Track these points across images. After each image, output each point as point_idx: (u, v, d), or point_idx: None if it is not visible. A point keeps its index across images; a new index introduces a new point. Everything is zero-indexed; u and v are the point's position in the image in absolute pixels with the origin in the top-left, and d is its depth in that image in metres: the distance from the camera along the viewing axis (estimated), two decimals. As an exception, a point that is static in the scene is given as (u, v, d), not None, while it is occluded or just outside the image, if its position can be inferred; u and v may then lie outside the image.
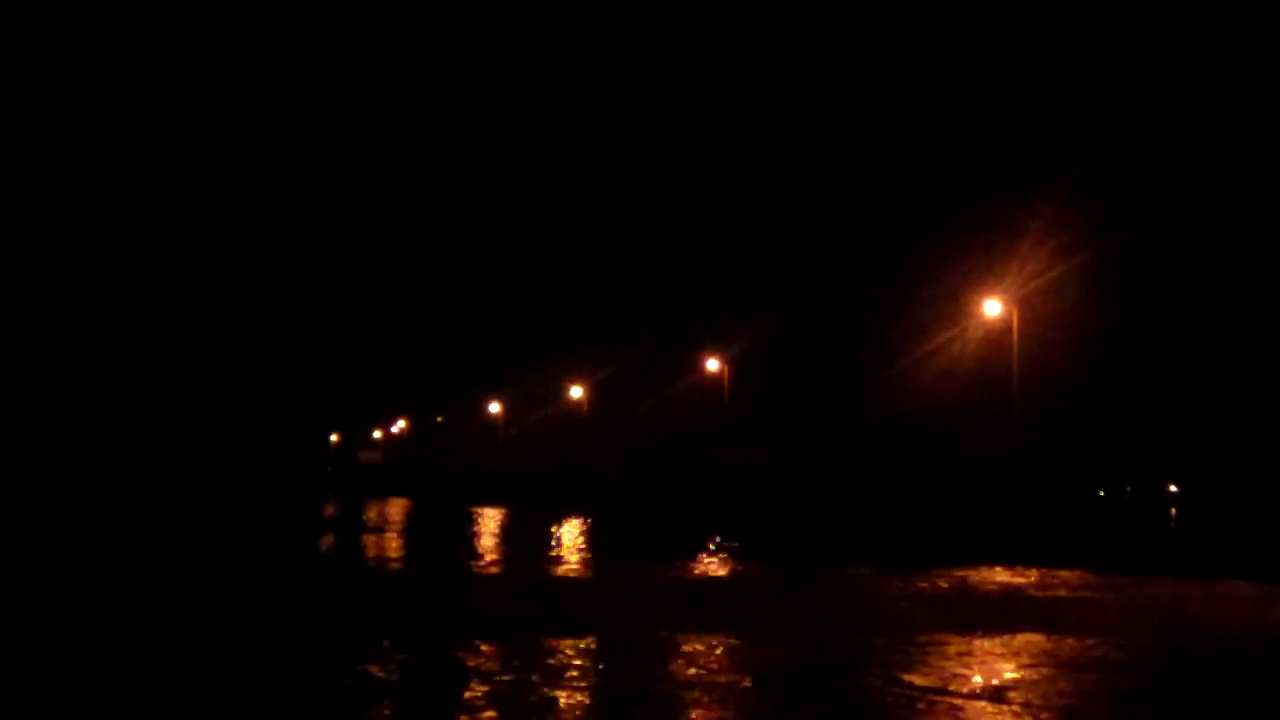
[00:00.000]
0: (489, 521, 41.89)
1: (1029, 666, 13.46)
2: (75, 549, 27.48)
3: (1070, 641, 15.09)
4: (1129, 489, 47.42)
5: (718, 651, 14.01)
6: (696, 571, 23.49)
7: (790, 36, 78.73)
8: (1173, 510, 46.99)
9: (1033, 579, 23.21)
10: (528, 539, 31.95)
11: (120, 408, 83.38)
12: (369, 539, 29.99)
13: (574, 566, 24.48)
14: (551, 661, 13.29)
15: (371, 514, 49.68)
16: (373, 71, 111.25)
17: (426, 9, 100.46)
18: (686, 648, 14.03)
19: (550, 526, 38.70)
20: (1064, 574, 24.06)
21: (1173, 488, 48.65)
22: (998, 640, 15.09)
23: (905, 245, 53.95)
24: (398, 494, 66.45)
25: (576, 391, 75.27)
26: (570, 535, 35.06)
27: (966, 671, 13.17)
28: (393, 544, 27.92)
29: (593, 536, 35.10)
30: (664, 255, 75.20)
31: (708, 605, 17.40)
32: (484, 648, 13.84)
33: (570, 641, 13.99)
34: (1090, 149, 48.03)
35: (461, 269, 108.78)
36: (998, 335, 42.36)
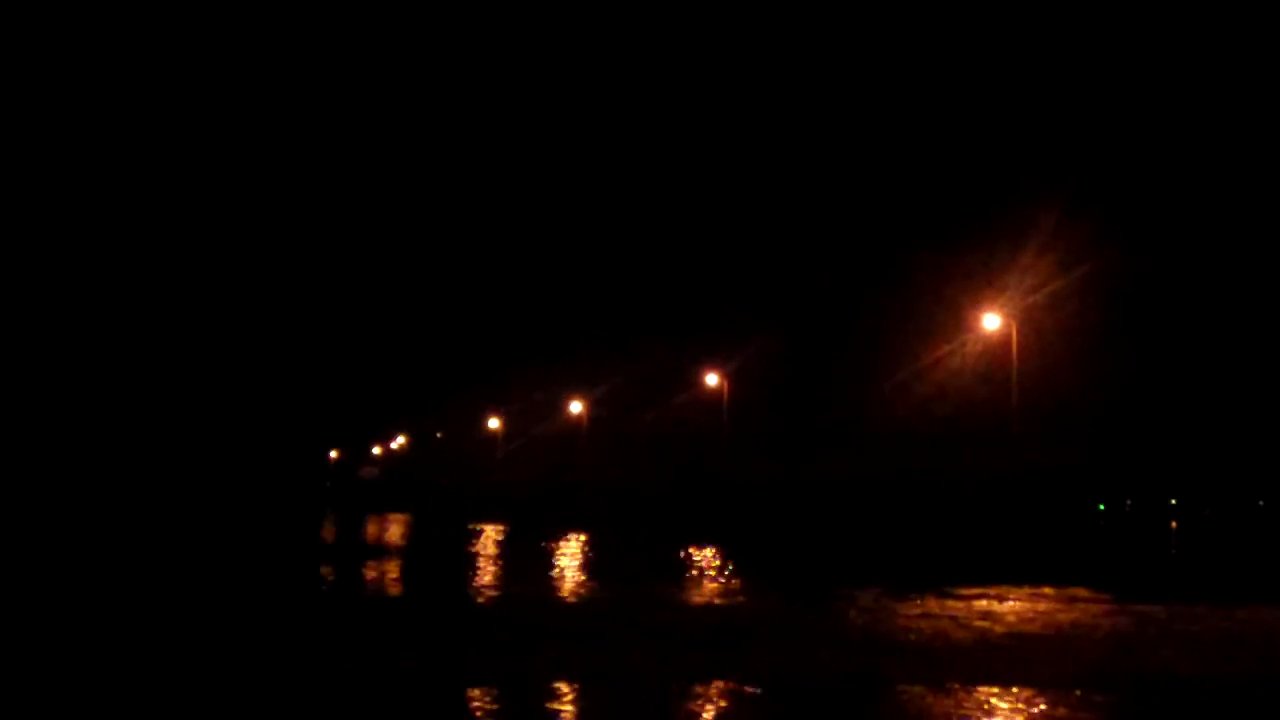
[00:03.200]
0: (488, 541, 41.79)
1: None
2: (62, 566, 27.34)
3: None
4: (1129, 502, 47.37)
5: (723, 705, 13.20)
6: (699, 599, 23.17)
7: (791, 55, 78.92)
8: (1173, 524, 46.93)
9: (1041, 609, 22.99)
10: (527, 562, 31.82)
11: (120, 423, 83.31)
12: (367, 564, 29.75)
13: (575, 593, 24.26)
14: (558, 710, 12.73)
15: (371, 530, 49.58)
16: (373, 89, 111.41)
17: (429, 24, 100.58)
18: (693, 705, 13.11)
19: (550, 545, 38.63)
20: (1082, 595, 23.87)
21: (1173, 501, 48.61)
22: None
23: (904, 259, 53.95)
24: (397, 510, 66.42)
25: (576, 406, 75.22)
26: (570, 556, 34.96)
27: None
28: (390, 572, 27.74)
29: (592, 556, 35.00)
30: (663, 270, 75.29)
31: (713, 644, 16.52)
32: (478, 699, 13.06)
33: (572, 690, 13.29)
34: (1089, 162, 48.07)
35: (461, 285, 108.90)
36: (997, 349, 42.32)
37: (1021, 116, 53.69)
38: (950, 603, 22.00)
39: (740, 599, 23.29)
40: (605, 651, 15.45)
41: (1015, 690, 13.40)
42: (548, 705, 12.62)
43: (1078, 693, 13.29)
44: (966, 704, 12.83)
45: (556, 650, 15.35)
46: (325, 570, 27.90)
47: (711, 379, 59.13)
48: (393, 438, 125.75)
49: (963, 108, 58.91)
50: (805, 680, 14.16)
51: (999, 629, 18.55)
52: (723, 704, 13.15)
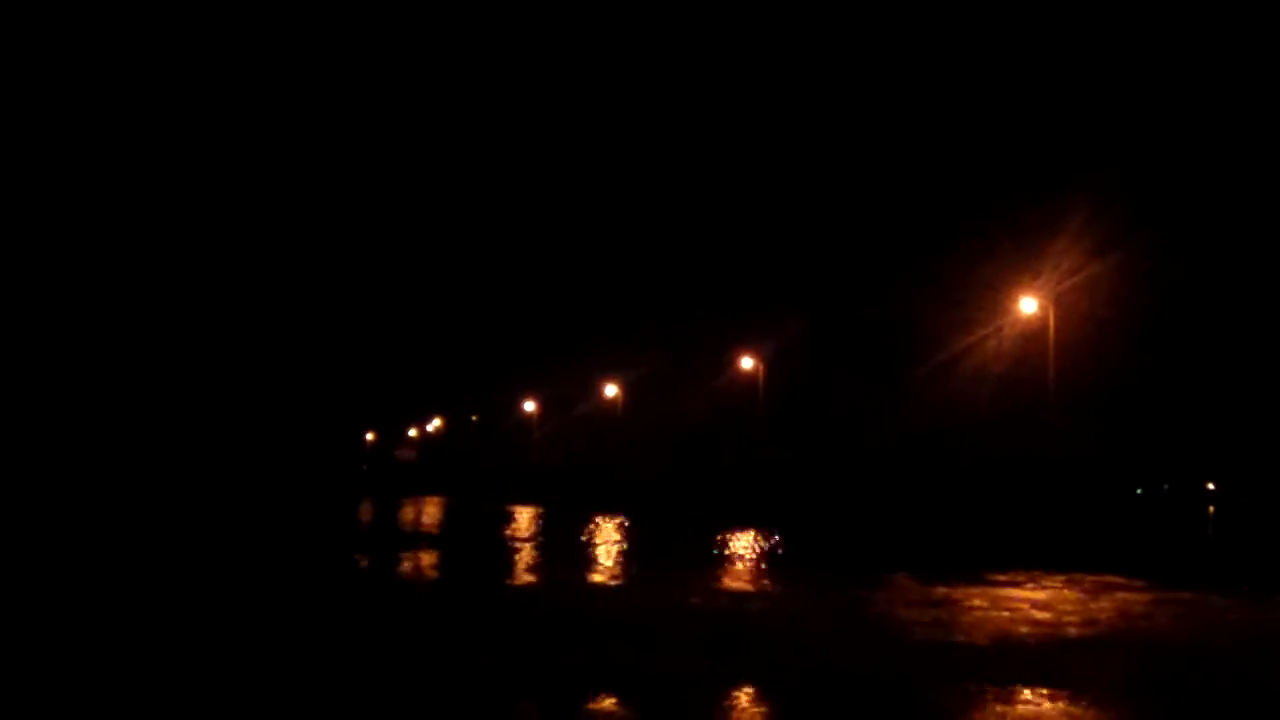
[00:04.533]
0: (522, 525, 42.05)
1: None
2: (92, 551, 27.49)
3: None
4: (1166, 487, 47.21)
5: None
6: (738, 586, 23.20)
7: (827, 35, 78.64)
8: (1210, 509, 46.73)
9: (1070, 597, 22.99)
10: (564, 546, 32.02)
11: (157, 408, 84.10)
12: (402, 549, 29.95)
13: (612, 580, 24.36)
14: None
15: (408, 513, 49.93)
16: (408, 77, 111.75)
17: (458, 24, 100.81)
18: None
19: (586, 528, 38.84)
20: (1117, 582, 23.84)
21: (1210, 486, 48.41)
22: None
23: (941, 243, 53.83)
24: (433, 493, 66.81)
25: (611, 390, 75.46)
26: (606, 539, 35.16)
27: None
28: (426, 559, 27.91)
29: (629, 540, 35.18)
30: (700, 254, 75.36)
31: (736, 642, 15.95)
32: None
33: (612, 702, 12.70)
34: (1126, 146, 47.78)
35: (497, 268, 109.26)
36: (1034, 333, 42.19)
37: (1059, 99, 53.38)
38: (985, 589, 22.00)
39: (770, 586, 23.35)
40: (634, 653, 15.16)
41: (1044, 692, 13.31)
42: (585, 707, 12.41)
43: (1099, 694, 13.23)
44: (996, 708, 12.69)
45: (590, 650, 15.21)
46: (360, 557, 28.02)
47: (747, 363, 59.18)
48: (429, 420, 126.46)
49: (1001, 91, 58.60)
50: (829, 682, 13.78)
51: (1026, 622, 18.46)
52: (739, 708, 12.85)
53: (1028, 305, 40.58)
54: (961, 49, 64.98)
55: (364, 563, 27.30)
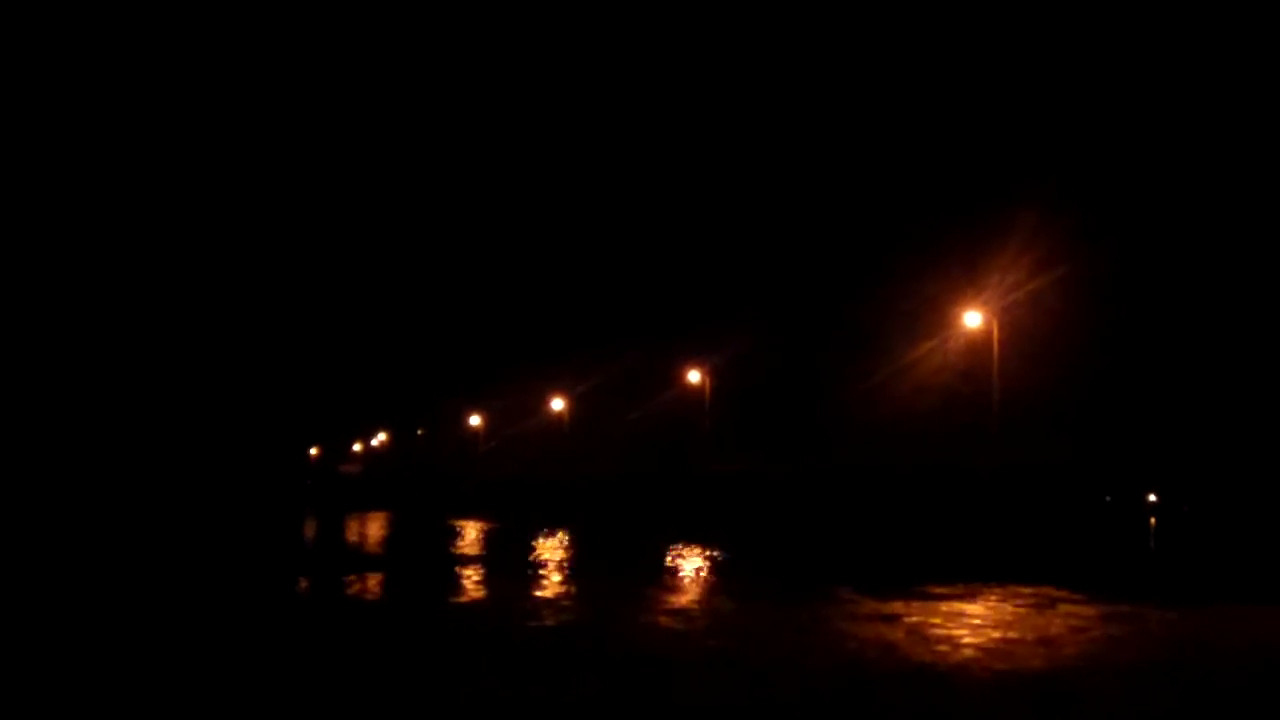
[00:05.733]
0: (469, 541, 41.71)
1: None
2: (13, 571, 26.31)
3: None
4: (1108, 498, 47.59)
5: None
6: (674, 602, 22.90)
7: (769, 51, 78.91)
8: (1152, 520, 47.15)
9: (1010, 610, 23.01)
10: (506, 564, 31.77)
11: (87, 416, 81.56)
12: (347, 567, 29.43)
13: (561, 600, 24.00)
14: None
15: (352, 528, 49.40)
16: (350, 90, 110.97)
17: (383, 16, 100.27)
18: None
19: (530, 544, 38.59)
20: (1056, 594, 23.90)
21: (1152, 497, 48.84)
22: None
23: (886, 257, 54.05)
24: (378, 508, 66.24)
25: (558, 404, 75.17)
26: (549, 556, 34.90)
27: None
28: (370, 579, 27.42)
29: (569, 557, 34.93)
30: (645, 267, 75.23)
31: (666, 670, 15.16)
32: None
33: None
34: (1070, 159, 48.19)
35: (441, 281, 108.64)
36: (979, 346, 42.41)
37: (1003, 112, 53.79)
38: (925, 603, 21.94)
39: (704, 603, 23.04)
40: (529, 683, 14.35)
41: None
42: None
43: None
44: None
45: (516, 678, 14.65)
46: (302, 579, 27.37)
47: (694, 376, 59.14)
48: (373, 434, 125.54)
49: (944, 103, 58.98)
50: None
51: (968, 636, 18.37)
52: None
53: (972, 318, 40.79)
54: (903, 62, 65.35)
55: (304, 584, 26.77)
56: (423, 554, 35.81)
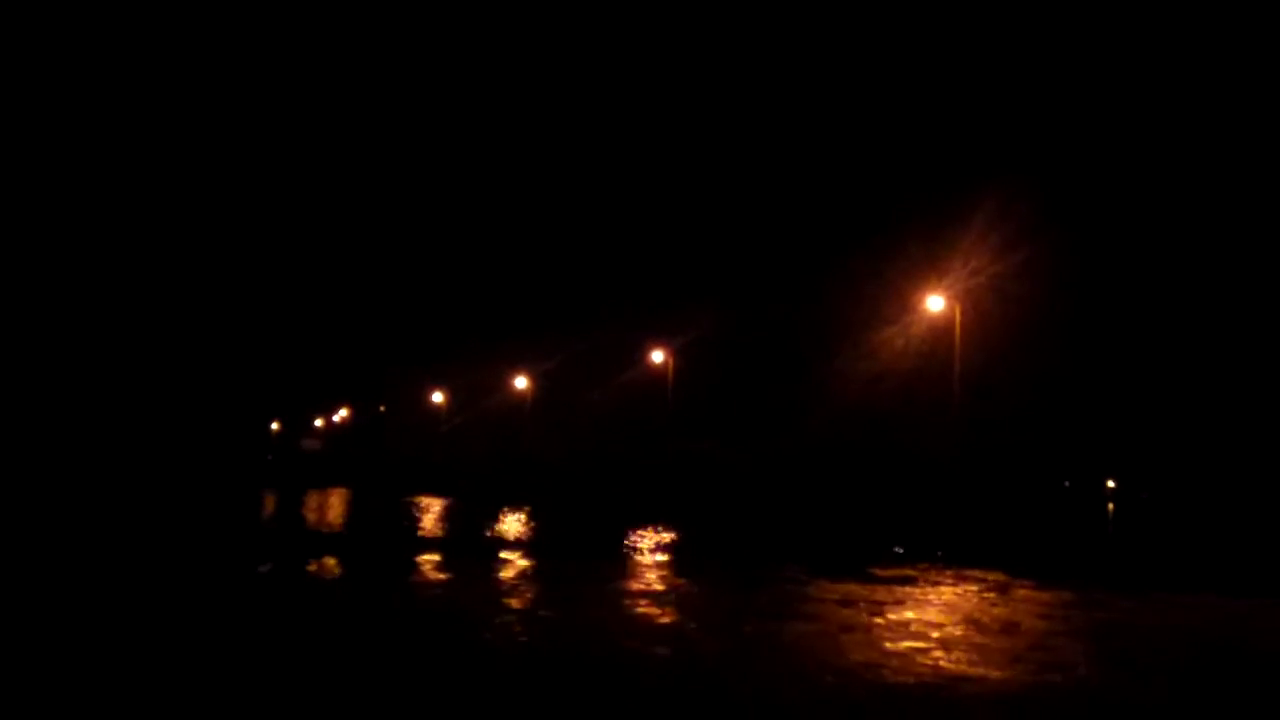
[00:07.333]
0: (429, 518, 41.55)
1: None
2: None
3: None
4: (1067, 484, 47.95)
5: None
6: (619, 584, 22.61)
7: (735, 39, 78.79)
8: (1110, 506, 47.53)
9: (948, 593, 23.08)
10: (464, 541, 31.65)
11: (41, 389, 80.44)
12: (306, 545, 29.13)
13: (516, 580, 23.84)
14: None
15: (312, 503, 49.07)
16: (318, 68, 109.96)
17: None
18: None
19: (489, 522, 38.50)
20: (1000, 580, 24.00)
21: (1111, 483, 49.26)
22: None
23: (850, 241, 54.16)
24: (338, 484, 65.91)
25: (521, 382, 75.02)
26: (510, 535, 34.79)
27: None
28: (329, 560, 27.06)
29: (528, 536, 34.78)
30: (611, 247, 75.14)
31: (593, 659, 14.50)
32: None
33: None
34: (1031, 145, 48.36)
35: (405, 258, 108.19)
36: (941, 331, 42.52)
37: (965, 98, 53.90)
38: (866, 586, 21.95)
39: (653, 583, 22.77)
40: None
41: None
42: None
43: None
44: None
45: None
46: (262, 562, 26.90)
47: (658, 356, 59.10)
48: (335, 410, 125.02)
49: (907, 91, 59.05)
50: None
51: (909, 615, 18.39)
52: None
53: (934, 303, 40.85)
54: (866, 49, 65.42)
55: (265, 568, 26.30)
56: (380, 533, 35.56)
